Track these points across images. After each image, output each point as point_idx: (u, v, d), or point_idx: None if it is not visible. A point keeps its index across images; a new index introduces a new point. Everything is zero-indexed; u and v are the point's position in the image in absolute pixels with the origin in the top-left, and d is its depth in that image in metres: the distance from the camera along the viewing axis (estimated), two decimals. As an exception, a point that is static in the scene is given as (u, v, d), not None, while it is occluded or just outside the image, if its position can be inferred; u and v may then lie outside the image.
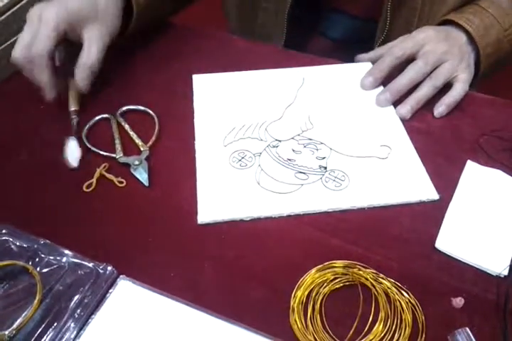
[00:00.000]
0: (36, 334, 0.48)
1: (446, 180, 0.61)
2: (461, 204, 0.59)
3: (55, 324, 0.49)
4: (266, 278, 0.53)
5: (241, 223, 0.58)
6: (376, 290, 0.51)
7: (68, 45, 0.69)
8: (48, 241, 0.55)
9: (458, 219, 0.58)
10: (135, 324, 0.49)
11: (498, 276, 0.53)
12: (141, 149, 0.65)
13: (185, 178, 0.62)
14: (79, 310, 0.50)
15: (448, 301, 0.51)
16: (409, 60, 0.70)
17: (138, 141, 0.66)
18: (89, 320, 0.49)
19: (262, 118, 0.69)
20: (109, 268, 0.52)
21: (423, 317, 0.50)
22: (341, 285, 0.52)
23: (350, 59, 0.79)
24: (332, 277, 0.52)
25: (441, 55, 0.69)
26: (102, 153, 0.65)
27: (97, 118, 0.69)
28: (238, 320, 0.49)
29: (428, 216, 0.58)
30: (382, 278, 0.52)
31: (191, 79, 0.75)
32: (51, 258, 0.53)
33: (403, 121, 0.69)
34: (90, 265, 0.53)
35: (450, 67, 0.70)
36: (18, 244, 0.54)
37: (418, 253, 0.55)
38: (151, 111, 0.70)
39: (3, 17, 0.72)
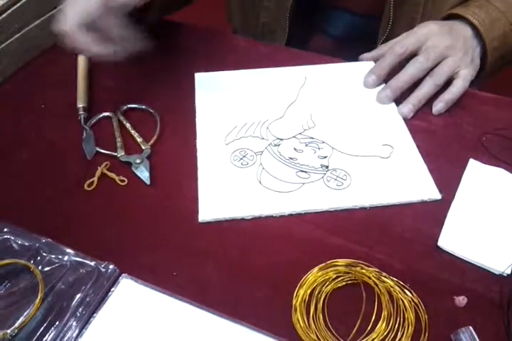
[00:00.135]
0: (38, 333, 0.48)
1: (448, 179, 0.61)
2: (464, 203, 0.59)
3: (57, 323, 0.49)
4: (268, 276, 0.53)
5: (243, 222, 0.58)
6: (379, 288, 0.51)
7: None
8: (49, 239, 0.54)
9: (460, 218, 0.57)
10: (137, 323, 0.49)
11: (501, 275, 0.53)
12: (143, 148, 0.65)
13: (187, 177, 0.62)
14: (81, 309, 0.50)
15: (451, 300, 0.51)
16: (413, 55, 0.70)
17: (139, 140, 0.66)
18: (91, 319, 0.49)
19: (264, 117, 0.69)
20: (111, 266, 0.52)
21: (426, 316, 0.50)
22: (344, 283, 0.52)
23: (352, 57, 0.79)
24: (334, 276, 0.52)
25: (444, 50, 0.69)
26: (103, 151, 0.65)
27: (99, 116, 0.69)
28: (240, 318, 0.49)
29: (430, 214, 0.58)
30: (385, 277, 0.52)
31: (193, 77, 0.75)
32: (53, 256, 0.53)
33: (405, 119, 0.69)
34: (92, 264, 0.53)
35: (452, 64, 0.69)
36: (19, 242, 0.54)
37: (421, 251, 0.55)
38: (152, 110, 0.70)
39: (3, 15, 0.72)
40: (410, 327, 0.49)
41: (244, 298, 0.52)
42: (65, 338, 0.48)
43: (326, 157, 0.64)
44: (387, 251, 0.55)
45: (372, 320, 0.49)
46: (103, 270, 0.52)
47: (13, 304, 0.50)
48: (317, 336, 0.48)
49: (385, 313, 0.50)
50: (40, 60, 0.80)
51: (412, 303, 0.50)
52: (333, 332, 0.49)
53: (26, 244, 0.54)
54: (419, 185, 0.60)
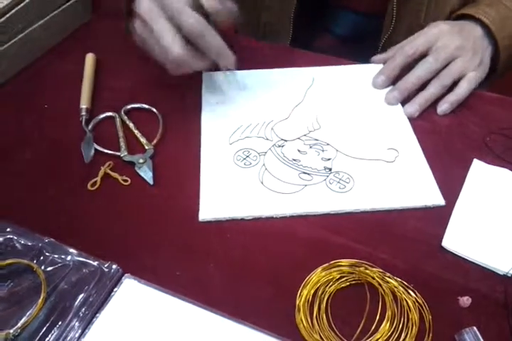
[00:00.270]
0: (41, 333, 0.48)
1: (452, 179, 0.61)
2: (468, 203, 0.59)
3: (60, 323, 0.49)
4: (271, 276, 0.53)
5: (246, 222, 0.58)
6: (383, 289, 0.51)
7: None
8: (52, 239, 0.54)
9: (465, 218, 0.57)
10: (140, 323, 0.49)
11: (505, 275, 0.53)
12: (146, 148, 0.65)
13: (190, 177, 0.62)
14: (83, 309, 0.49)
15: (455, 300, 0.51)
16: (423, 56, 0.70)
17: (142, 140, 0.66)
18: (94, 319, 0.49)
19: (269, 118, 0.69)
20: (114, 266, 0.52)
21: (430, 317, 0.49)
22: (347, 284, 0.52)
23: (356, 55, 0.78)
24: (338, 276, 0.52)
25: (454, 51, 0.68)
26: (106, 151, 0.64)
27: (102, 116, 0.69)
28: (243, 318, 0.49)
29: (434, 215, 0.58)
30: (389, 277, 0.52)
31: (197, 77, 0.75)
32: (56, 256, 0.53)
33: (411, 122, 0.68)
34: (95, 263, 0.53)
35: (460, 65, 0.69)
36: (22, 242, 0.54)
37: (425, 252, 0.55)
38: (155, 110, 0.70)
39: (7, 15, 0.72)
40: (414, 327, 0.49)
41: (247, 298, 0.52)
42: (68, 338, 0.48)
43: (329, 159, 0.64)
44: (391, 252, 0.55)
45: (376, 321, 0.49)
46: (106, 270, 0.52)
47: (16, 304, 0.50)
48: (320, 336, 0.48)
49: (388, 313, 0.49)
50: (44, 60, 0.80)
51: (416, 304, 0.50)
52: (337, 332, 0.49)
53: (29, 243, 0.54)
54: (423, 191, 0.60)
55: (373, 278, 0.51)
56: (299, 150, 0.65)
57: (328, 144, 0.66)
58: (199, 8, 0.58)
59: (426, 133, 0.67)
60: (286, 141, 0.66)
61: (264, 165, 0.63)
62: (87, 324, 0.49)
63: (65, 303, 0.50)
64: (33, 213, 0.59)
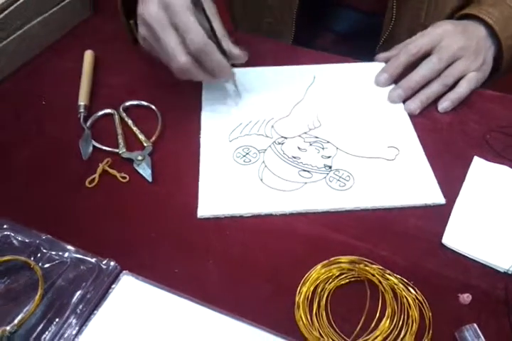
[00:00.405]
0: (38, 330, 0.48)
1: (452, 176, 0.61)
2: (468, 200, 0.58)
3: (57, 320, 0.48)
4: (271, 273, 0.53)
5: (245, 219, 0.57)
6: (383, 286, 0.51)
7: None
8: (49, 236, 0.54)
9: (465, 215, 0.57)
10: (138, 320, 0.49)
11: (505, 272, 0.52)
12: (145, 145, 0.65)
13: (189, 174, 0.61)
14: (81, 306, 0.49)
15: (455, 297, 0.50)
16: (426, 55, 0.70)
17: (141, 137, 0.66)
18: (92, 316, 0.49)
19: (270, 115, 0.69)
20: (112, 263, 0.52)
21: (430, 314, 0.49)
22: (347, 281, 0.51)
23: (356, 53, 0.78)
24: (338, 273, 0.52)
25: (457, 51, 0.68)
26: (104, 148, 0.64)
27: (100, 113, 0.69)
28: (242, 315, 0.49)
29: (435, 212, 0.58)
30: (389, 274, 0.51)
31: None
32: (53, 253, 0.53)
33: (412, 120, 0.68)
34: (93, 260, 0.52)
35: (463, 65, 0.69)
36: (19, 239, 0.54)
37: (425, 249, 0.54)
38: (154, 107, 0.70)
39: (5, 12, 0.72)
40: (414, 324, 0.48)
41: (246, 295, 0.51)
42: (65, 335, 0.47)
43: (329, 157, 0.63)
44: (391, 249, 0.54)
45: (376, 318, 0.49)
46: (104, 267, 0.52)
47: (13, 301, 0.50)
48: (320, 333, 0.48)
49: (388, 311, 0.49)
50: (42, 57, 0.80)
51: (416, 301, 0.50)
52: (336, 329, 0.48)
53: (26, 240, 0.54)
54: (423, 189, 0.60)
55: (373, 275, 0.51)
56: (299, 148, 0.65)
57: (328, 142, 0.65)
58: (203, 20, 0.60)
59: (426, 131, 0.66)
60: (286, 138, 0.66)
61: (263, 162, 0.63)
62: (84, 321, 0.48)
63: (63, 300, 0.50)
64: (31, 210, 0.59)
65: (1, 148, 0.66)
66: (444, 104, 0.69)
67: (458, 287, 0.51)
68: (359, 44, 0.80)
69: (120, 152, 0.64)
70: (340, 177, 0.61)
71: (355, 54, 0.78)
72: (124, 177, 0.61)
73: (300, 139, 0.66)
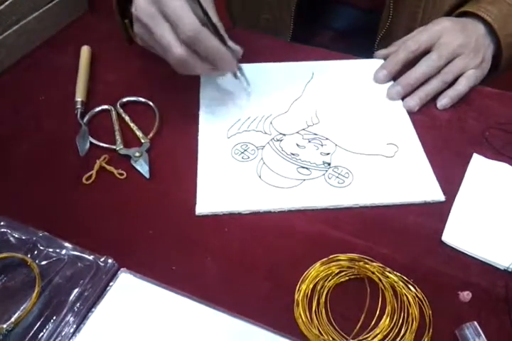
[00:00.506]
0: (35, 328, 0.47)
1: (452, 173, 0.61)
2: (468, 198, 0.58)
3: (54, 317, 0.48)
4: (269, 271, 0.52)
5: (244, 216, 0.57)
6: (383, 284, 0.50)
7: None
8: (46, 233, 0.53)
9: (464, 213, 0.57)
10: (136, 318, 0.48)
11: (505, 270, 0.52)
12: (142, 141, 0.64)
13: (187, 170, 0.61)
14: (78, 304, 0.49)
15: (455, 295, 0.50)
16: (425, 52, 0.69)
17: (138, 133, 0.65)
18: (89, 314, 0.48)
19: (268, 112, 0.68)
20: (110, 260, 0.51)
21: (430, 312, 0.49)
22: (346, 278, 0.51)
23: (354, 50, 0.78)
24: (337, 270, 0.52)
25: (456, 48, 0.68)
26: (101, 144, 0.64)
27: (97, 109, 0.69)
28: (241, 313, 0.48)
29: (434, 209, 0.57)
30: (389, 272, 0.51)
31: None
32: (50, 250, 0.52)
33: (411, 117, 0.68)
34: (90, 258, 0.52)
35: (462, 62, 0.69)
36: (16, 236, 0.53)
37: (425, 246, 0.54)
38: (151, 103, 0.69)
39: (1, 7, 0.71)
40: (414, 322, 0.48)
41: (244, 293, 0.51)
42: (62, 333, 0.47)
43: (328, 154, 0.63)
44: (391, 246, 0.54)
45: (376, 316, 0.48)
46: (101, 264, 0.51)
47: (10, 298, 0.49)
48: (319, 331, 0.47)
49: (388, 308, 0.49)
50: (39, 52, 0.79)
51: (416, 299, 0.50)
52: (336, 327, 0.48)
53: (23, 237, 0.53)
54: (422, 186, 0.59)
55: (373, 273, 0.51)
56: (297, 145, 0.64)
57: (327, 139, 0.65)
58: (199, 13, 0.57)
59: (425, 128, 0.66)
60: (284, 135, 0.65)
61: (262, 159, 0.62)
62: (82, 319, 0.48)
63: (60, 298, 0.49)
64: (28, 206, 0.58)
65: (-1, 144, 0.65)
66: (443, 101, 0.69)
67: (458, 285, 0.51)
68: (357, 41, 0.80)
69: (117, 148, 0.63)
70: (339, 174, 0.61)
71: (352, 51, 0.78)
72: (121, 174, 0.61)
73: (299, 136, 0.65)
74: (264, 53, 0.78)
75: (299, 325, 0.48)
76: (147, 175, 0.60)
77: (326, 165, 0.62)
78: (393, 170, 0.61)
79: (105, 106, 0.69)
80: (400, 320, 0.48)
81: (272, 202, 0.58)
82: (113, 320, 0.48)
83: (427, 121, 0.68)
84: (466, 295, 0.50)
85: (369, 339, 0.47)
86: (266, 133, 0.66)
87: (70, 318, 0.48)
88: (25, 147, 0.65)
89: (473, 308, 0.49)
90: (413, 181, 0.60)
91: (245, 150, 0.63)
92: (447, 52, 0.68)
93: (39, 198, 0.59)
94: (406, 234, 0.55)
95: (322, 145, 0.64)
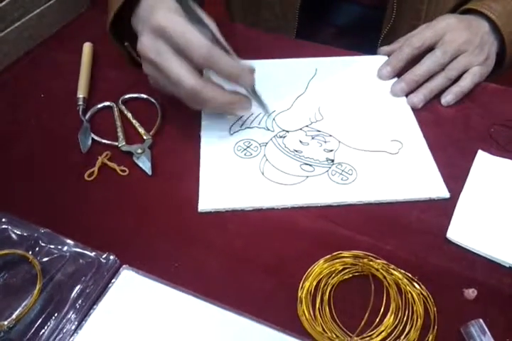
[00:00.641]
0: (36, 325, 0.47)
1: (457, 170, 0.60)
2: (473, 195, 0.58)
3: (56, 314, 0.47)
4: (273, 268, 0.52)
5: (247, 213, 0.57)
6: (387, 281, 0.50)
7: None
8: (48, 230, 0.53)
9: (469, 210, 0.56)
10: (138, 315, 0.48)
11: (511, 267, 0.52)
12: (144, 138, 0.64)
13: (189, 167, 0.61)
14: (80, 301, 0.48)
15: (460, 292, 0.50)
16: (430, 49, 0.69)
17: (141, 130, 0.65)
18: (91, 311, 0.48)
19: (271, 108, 0.68)
20: (112, 257, 0.51)
21: (435, 309, 0.48)
22: (350, 275, 0.51)
23: (358, 47, 0.78)
24: (341, 267, 0.51)
25: (461, 45, 0.68)
26: (104, 141, 0.63)
27: (99, 106, 0.68)
28: (244, 310, 0.48)
29: (439, 206, 0.57)
30: (393, 269, 0.51)
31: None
32: (52, 247, 0.52)
33: (415, 113, 0.67)
34: (92, 254, 0.51)
35: (467, 59, 0.68)
36: (17, 232, 0.53)
37: (429, 244, 0.54)
38: (153, 100, 0.69)
39: (3, 3, 0.71)
40: (419, 320, 0.48)
41: (247, 290, 0.50)
42: (64, 330, 0.47)
43: (332, 150, 0.63)
44: (395, 243, 0.54)
45: (380, 313, 0.48)
46: (103, 261, 0.51)
47: (11, 295, 0.49)
48: (323, 328, 0.47)
49: (393, 306, 0.48)
50: (41, 49, 0.79)
51: (421, 296, 0.49)
52: (340, 324, 0.48)
53: (25, 234, 0.53)
54: (427, 183, 0.59)
55: (377, 270, 0.50)
56: (300, 141, 0.64)
57: (330, 135, 0.64)
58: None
59: (430, 125, 0.66)
60: (287, 131, 0.65)
61: (265, 155, 0.62)
62: (83, 316, 0.48)
63: (62, 295, 0.49)
64: (29, 203, 0.58)
65: (0, 141, 0.65)
66: (447, 98, 0.68)
67: (463, 282, 0.51)
68: (360, 38, 0.80)
69: (119, 145, 0.63)
70: (342, 170, 0.60)
71: (356, 48, 0.78)
72: (123, 171, 0.60)
73: (302, 132, 0.65)
74: (267, 50, 0.77)
75: (303, 322, 0.47)
76: (149, 172, 0.60)
77: (329, 161, 0.61)
78: (397, 166, 0.61)
79: (107, 103, 0.68)
80: (405, 318, 0.48)
81: (275, 199, 0.57)
82: (115, 317, 0.48)
83: (431, 117, 0.67)
84: (471, 293, 0.49)
85: (373, 336, 0.47)
86: (269, 129, 0.65)
87: (72, 315, 0.47)
88: (27, 143, 0.64)
89: (479, 306, 0.49)
90: (418, 178, 0.59)
91: (248, 147, 0.63)
92: (452, 48, 0.68)
93: (41, 195, 0.59)
94: (410, 231, 0.55)
95: (325, 142, 0.64)
